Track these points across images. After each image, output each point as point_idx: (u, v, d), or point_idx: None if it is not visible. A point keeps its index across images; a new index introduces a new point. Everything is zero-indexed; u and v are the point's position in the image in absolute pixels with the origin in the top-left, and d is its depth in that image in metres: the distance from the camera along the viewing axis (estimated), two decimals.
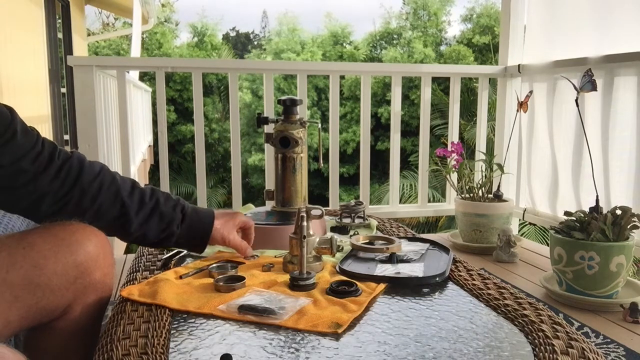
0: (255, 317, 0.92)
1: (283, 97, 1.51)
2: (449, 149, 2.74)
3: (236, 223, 1.24)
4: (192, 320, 0.93)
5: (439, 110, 9.94)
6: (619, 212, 1.87)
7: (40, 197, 1.01)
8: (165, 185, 2.75)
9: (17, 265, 0.90)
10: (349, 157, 13.62)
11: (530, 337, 0.86)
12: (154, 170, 7.44)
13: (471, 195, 2.69)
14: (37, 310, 0.92)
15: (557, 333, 0.86)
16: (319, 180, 11.60)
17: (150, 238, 1.13)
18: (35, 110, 5.04)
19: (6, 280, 0.89)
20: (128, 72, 3.78)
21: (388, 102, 11.94)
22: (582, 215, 1.93)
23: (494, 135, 3.19)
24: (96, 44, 16.35)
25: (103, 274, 1.01)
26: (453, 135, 3.04)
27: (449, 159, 2.77)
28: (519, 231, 5.19)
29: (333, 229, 1.57)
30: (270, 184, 2.72)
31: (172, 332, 0.88)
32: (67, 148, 6.02)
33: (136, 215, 1.09)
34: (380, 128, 13.59)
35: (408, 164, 10.65)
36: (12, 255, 0.91)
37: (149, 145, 7.68)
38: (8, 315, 0.89)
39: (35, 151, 1.00)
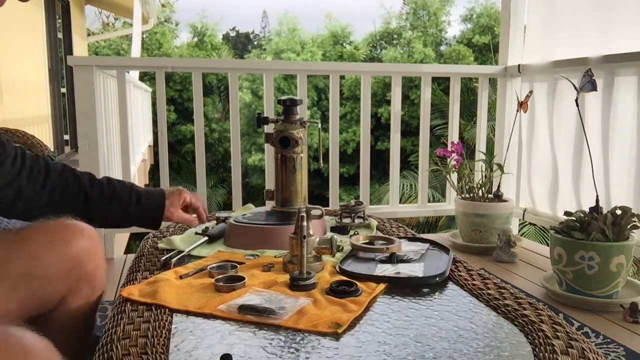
0: (255, 317, 0.92)
1: (283, 97, 1.51)
2: (449, 149, 2.74)
3: (180, 200, 1.32)
4: (192, 320, 0.93)
5: (439, 110, 9.93)
6: (619, 212, 1.87)
7: (17, 197, 1.08)
8: (165, 186, 2.75)
9: (14, 257, 0.93)
10: (349, 157, 13.61)
11: (530, 337, 0.86)
12: (154, 170, 7.44)
13: (471, 195, 2.69)
14: (34, 301, 0.96)
15: (557, 333, 0.86)
16: (319, 180, 11.59)
17: (111, 220, 1.23)
18: (35, 110, 5.03)
19: (4, 272, 0.92)
20: (128, 72, 3.78)
21: (388, 102, 11.94)
22: (582, 215, 1.93)
23: (494, 135, 3.19)
24: (96, 44, 16.35)
25: (95, 266, 1.05)
26: (453, 135, 3.04)
27: (449, 159, 2.77)
28: (519, 231, 5.19)
29: (333, 229, 1.57)
30: (270, 184, 2.72)
31: (172, 332, 0.88)
32: (67, 148, 6.01)
33: (98, 203, 1.18)
34: (380, 128, 13.58)
35: (408, 164, 10.64)
36: (9, 248, 0.94)
37: (149, 145, 7.68)
38: (7, 305, 0.91)
39: (12, 155, 1.09)
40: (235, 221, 1.43)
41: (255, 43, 29.08)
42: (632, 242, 1.87)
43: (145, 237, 1.50)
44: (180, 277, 1.12)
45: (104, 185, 1.21)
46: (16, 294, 0.92)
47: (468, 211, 2.63)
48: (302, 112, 2.53)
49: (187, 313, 0.96)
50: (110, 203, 1.20)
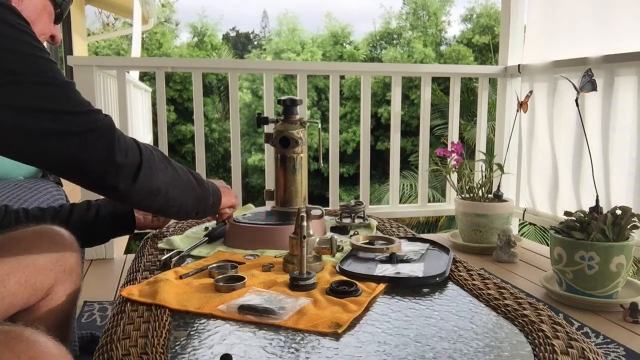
0: (255, 317, 0.92)
1: (283, 97, 1.50)
2: (449, 149, 2.74)
3: None
4: (192, 320, 0.93)
5: (439, 110, 9.93)
6: (619, 212, 1.87)
7: None
8: None
9: (6, 249, 1.02)
10: (349, 157, 13.61)
11: (530, 337, 0.86)
12: None
13: (471, 195, 2.70)
14: (27, 288, 1.03)
15: (557, 333, 0.86)
16: (319, 180, 11.60)
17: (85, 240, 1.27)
18: None
19: None
20: (128, 72, 3.78)
21: (388, 102, 11.93)
22: (582, 215, 1.93)
23: (494, 135, 3.19)
24: (96, 44, 16.36)
25: (75, 262, 1.13)
26: (453, 135, 3.04)
27: (449, 159, 2.78)
28: (519, 231, 5.19)
29: (333, 229, 1.57)
30: (270, 184, 2.72)
31: (172, 332, 0.88)
32: None
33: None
34: (380, 128, 13.58)
35: (408, 164, 10.64)
36: (1, 244, 1.04)
37: None
38: (2, 291, 0.98)
39: None
40: (235, 221, 1.43)
41: (255, 43, 29.08)
42: (632, 242, 1.87)
43: (145, 237, 1.50)
44: (180, 277, 1.12)
45: (65, 217, 1.29)
46: (11, 280, 1.00)
47: (468, 211, 2.63)
48: (302, 112, 2.53)
49: (187, 313, 0.96)
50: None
